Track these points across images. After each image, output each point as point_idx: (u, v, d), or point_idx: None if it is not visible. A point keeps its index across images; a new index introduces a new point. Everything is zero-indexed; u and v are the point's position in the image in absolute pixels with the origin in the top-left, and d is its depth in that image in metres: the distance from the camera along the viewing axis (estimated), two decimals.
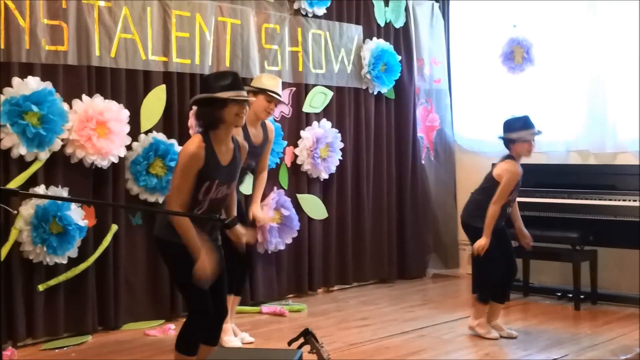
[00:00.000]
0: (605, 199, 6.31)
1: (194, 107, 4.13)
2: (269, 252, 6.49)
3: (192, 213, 3.92)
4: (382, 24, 7.52)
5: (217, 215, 3.96)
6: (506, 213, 5.45)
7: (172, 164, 5.61)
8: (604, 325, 5.77)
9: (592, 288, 6.47)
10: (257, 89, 5.19)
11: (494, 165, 5.52)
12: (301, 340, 3.86)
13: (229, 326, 5.24)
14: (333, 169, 6.99)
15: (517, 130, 5.36)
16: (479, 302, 5.51)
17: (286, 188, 6.65)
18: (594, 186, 6.48)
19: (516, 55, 7.40)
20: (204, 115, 3.92)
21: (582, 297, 6.32)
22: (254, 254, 6.26)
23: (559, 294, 6.57)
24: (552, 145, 7.23)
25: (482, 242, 5.27)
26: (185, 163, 3.83)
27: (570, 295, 6.38)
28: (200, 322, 3.96)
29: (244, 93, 3.97)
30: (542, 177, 6.86)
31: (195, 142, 3.87)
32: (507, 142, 5.41)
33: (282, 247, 6.56)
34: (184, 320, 4.06)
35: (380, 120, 7.53)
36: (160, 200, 5.71)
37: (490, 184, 5.41)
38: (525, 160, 7.20)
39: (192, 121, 5.96)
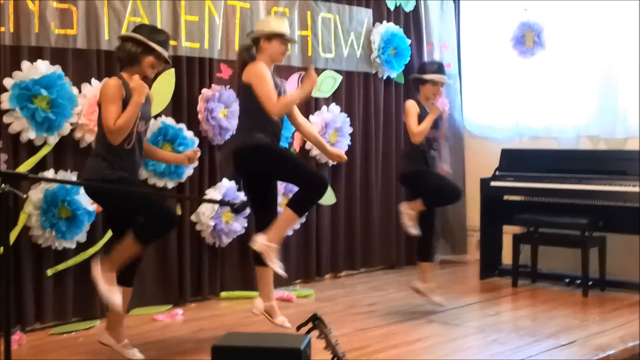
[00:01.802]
0: (615, 185, 6.27)
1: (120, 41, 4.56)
2: None
3: (198, 197, 3.96)
4: (392, 8, 7.47)
5: (227, 200, 4.01)
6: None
7: (182, 148, 5.60)
8: (613, 311, 5.76)
9: (601, 274, 6.45)
10: (270, 34, 4.96)
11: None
12: (310, 325, 3.86)
13: (273, 304, 5.09)
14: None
15: (432, 72, 5.71)
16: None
17: None
18: (604, 172, 6.44)
19: (527, 39, 7.34)
20: (130, 54, 4.41)
21: (590, 283, 6.30)
22: None
23: (567, 280, 6.55)
24: (563, 131, 7.21)
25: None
26: (112, 92, 4.31)
27: (579, 282, 6.36)
28: (165, 221, 4.44)
29: (166, 54, 4.51)
30: (552, 162, 6.83)
31: (113, 78, 4.43)
32: (418, 83, 5.74)
33: (289, 233, 6.56)
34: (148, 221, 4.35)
35: (390, 105, 7.50)
36: (170, 185, 5.66)
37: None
38: (534, 145, 7.26)
39: (201, 106, 5.94)
